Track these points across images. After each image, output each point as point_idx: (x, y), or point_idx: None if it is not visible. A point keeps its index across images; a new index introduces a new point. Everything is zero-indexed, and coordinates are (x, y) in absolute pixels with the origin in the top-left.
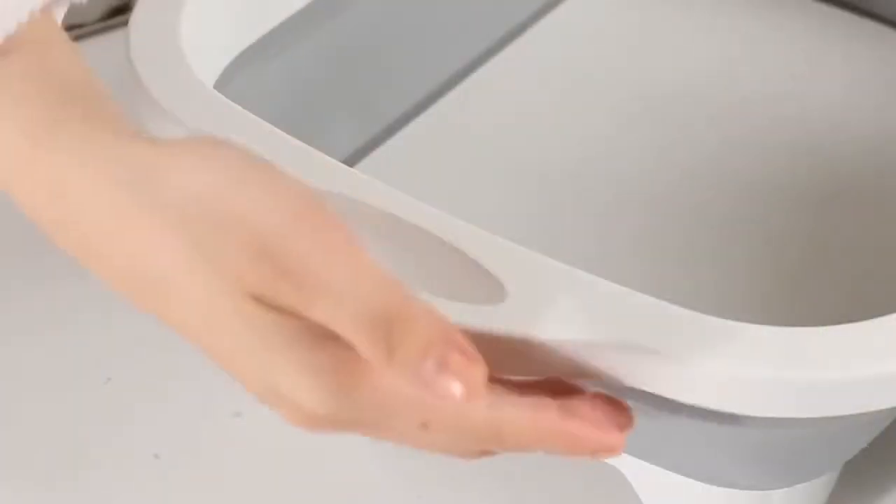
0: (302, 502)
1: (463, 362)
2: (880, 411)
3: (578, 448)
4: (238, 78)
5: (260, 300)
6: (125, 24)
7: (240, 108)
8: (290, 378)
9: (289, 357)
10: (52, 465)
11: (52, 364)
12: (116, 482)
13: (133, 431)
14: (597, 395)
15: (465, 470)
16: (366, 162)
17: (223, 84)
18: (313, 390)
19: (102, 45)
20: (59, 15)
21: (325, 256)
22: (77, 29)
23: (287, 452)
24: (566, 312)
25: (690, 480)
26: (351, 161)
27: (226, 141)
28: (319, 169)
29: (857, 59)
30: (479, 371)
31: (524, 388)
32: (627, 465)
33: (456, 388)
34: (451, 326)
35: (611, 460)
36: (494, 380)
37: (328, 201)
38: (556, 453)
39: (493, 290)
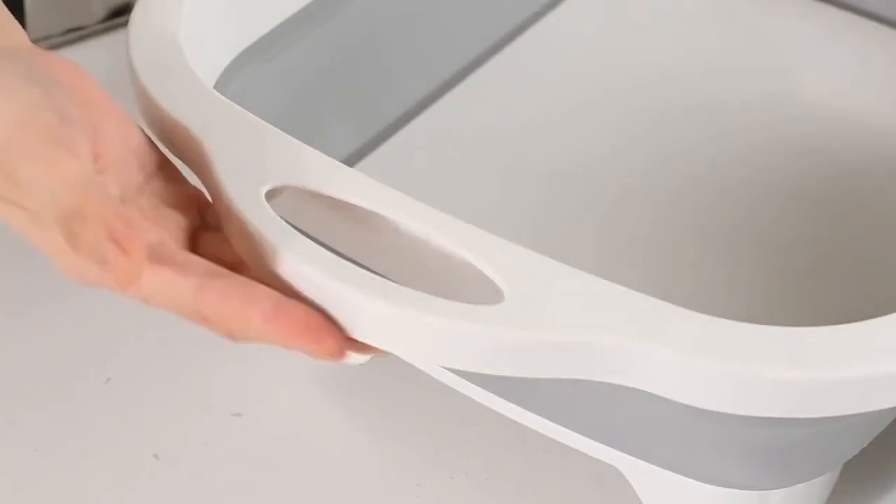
0: (302, 501)
1: (122, 259)
2: (880, 411)
3: (289, 343)
4: (238, 78)
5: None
6: (126, 24)
7: (240, 108)
8: (42, 251)
9: (29, 237)
10: (52, 465)
11: (52, 364)
12: (116, 482)
13: (133, 431)
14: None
15: (464, 466)
16: (366, 162)
17: (223, 84)
18: (51, 260)
19: (103, 46)
20: None
21: (32, 165)
22: (79, 31)
23: (287, 452)
24: (565, 312)
25: (690, 480)
26: (351, 161)
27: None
28: (319, 169)
29: (859, 59)
30: (135, 263)
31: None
32: (627, 465)
33: (118, 276)
34: (124, 225)
35: (610, 459)
36: (219, 262)
37: (59, 103)
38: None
39: (492, 289)
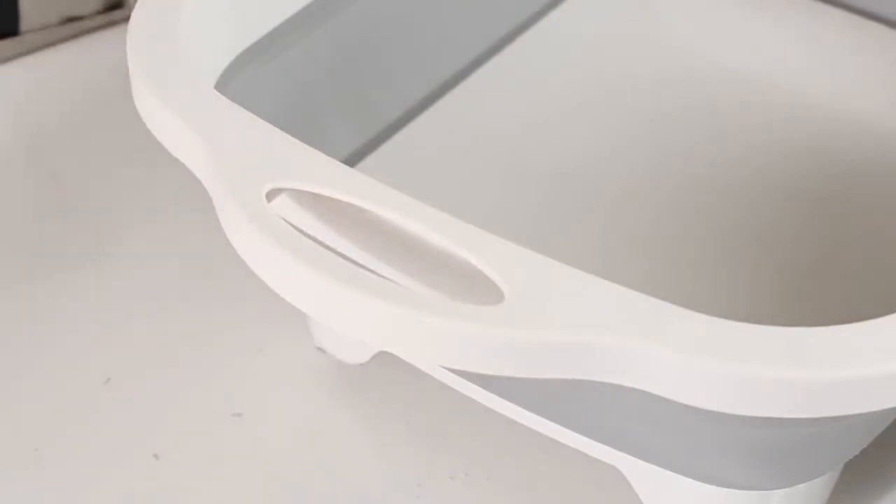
0: (301, 501)
1: None
2: (881, 411)
3: None
4: (238, 78)
5: None
6: (124, 18)
7: (240, 108)
8: None
9: None
10: (52, 465)
11: (52, 364)
12: (116, 482)
13: (133, 431)
14: None
15: (464, 466)
16: (366, 162)
17: (223, 84)
18: None
19: (102, 44)
20: None
21: None
22: (76, 21)
23: (287, 452)
24: (565, 312)
25: (690, 480)
26: (351, 161)
27: None
28: (319, 169)
29: (859, 59)
30: None
31: None
32: (627, 464)
33: None
34: None
35: (610, 459)
36: None
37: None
38: None
39: (493, 289)
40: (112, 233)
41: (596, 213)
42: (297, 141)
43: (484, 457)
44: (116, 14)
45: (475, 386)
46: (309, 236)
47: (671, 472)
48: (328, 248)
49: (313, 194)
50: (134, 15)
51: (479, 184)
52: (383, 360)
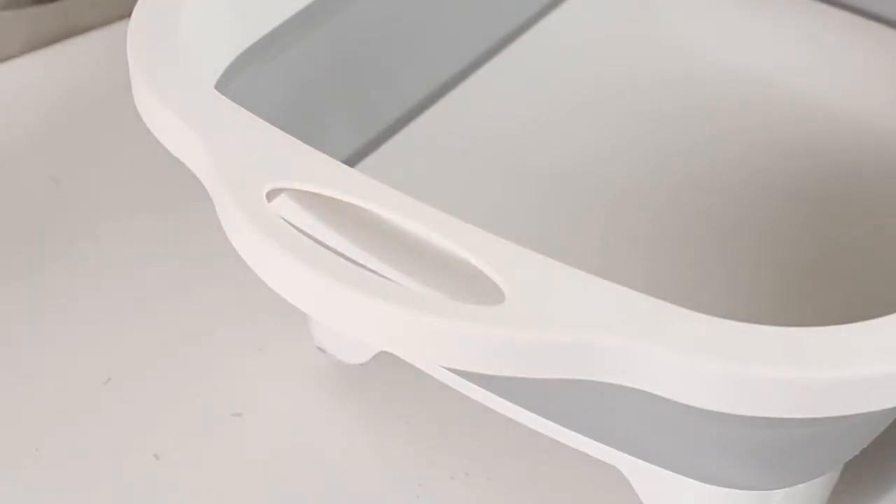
0: (301, 501)
1: None
2: (881, 411)
3: None
4: (239, 78)
5: None
6: (119, 16)
7: (240, 108)
8: None
9: None
10: (52, 465)
11: (52, 364)
12: (116, 482)
13: (133, 431)
14: None
15: (464, 466)
16: (366, 162)
17: (223, 84)
18: None
19: (102, 44)
20: None
21: None
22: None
23: (287, 452)
24: (565, 312)
25: (690, 480)
26: (351, 161)
27: None
28: (319, 169)
29: (860, 59)
30: None
31: None
32: (627, 464)
33: None
34: None
35: (610, 459)
36: None
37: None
38: None
39: (493, 289)
40: (111, 232)
41: (596, 213)
42: (297, 141)
43: (484, 457)
44: None
45: (475, 386)
46: (309, 236)
47: (671, 472)
48: (328, 248)
49: (313, 194)
50: (134, 15)
51: (479, 184)
52: (383, 360)
